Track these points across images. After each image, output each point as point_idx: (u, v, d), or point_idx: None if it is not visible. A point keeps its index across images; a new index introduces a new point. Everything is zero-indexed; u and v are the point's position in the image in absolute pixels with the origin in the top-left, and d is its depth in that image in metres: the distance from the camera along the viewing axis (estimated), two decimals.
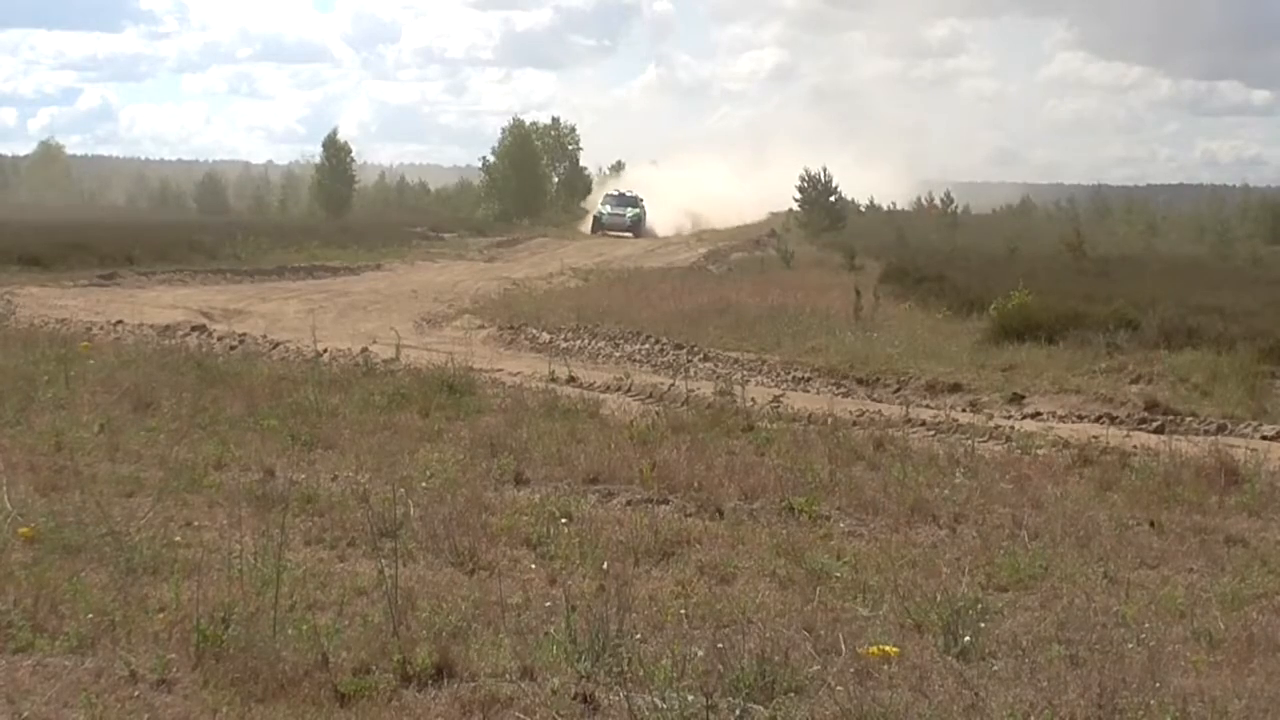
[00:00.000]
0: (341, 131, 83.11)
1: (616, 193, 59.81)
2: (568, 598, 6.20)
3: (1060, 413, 13.98)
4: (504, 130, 71.18)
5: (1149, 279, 27.36)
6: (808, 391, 15.48)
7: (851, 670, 5.61)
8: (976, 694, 5.30)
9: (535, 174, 69.20)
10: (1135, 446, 11.28)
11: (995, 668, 5.80)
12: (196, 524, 7.79)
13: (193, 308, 22.13)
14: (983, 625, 6.22)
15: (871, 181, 76.14)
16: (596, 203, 60.13)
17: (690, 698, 5.15)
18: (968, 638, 6.05)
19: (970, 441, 11.31)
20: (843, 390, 15.64)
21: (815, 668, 5.61)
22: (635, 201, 57.49)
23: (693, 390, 13.80)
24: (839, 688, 5.32)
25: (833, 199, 56.98)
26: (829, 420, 11.98)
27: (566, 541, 7.63)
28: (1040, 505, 8.96)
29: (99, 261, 29.04)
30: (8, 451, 9.23)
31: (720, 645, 5.66)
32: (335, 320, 21.53)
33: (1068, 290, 22.65)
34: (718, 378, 15.46)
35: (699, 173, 71.44)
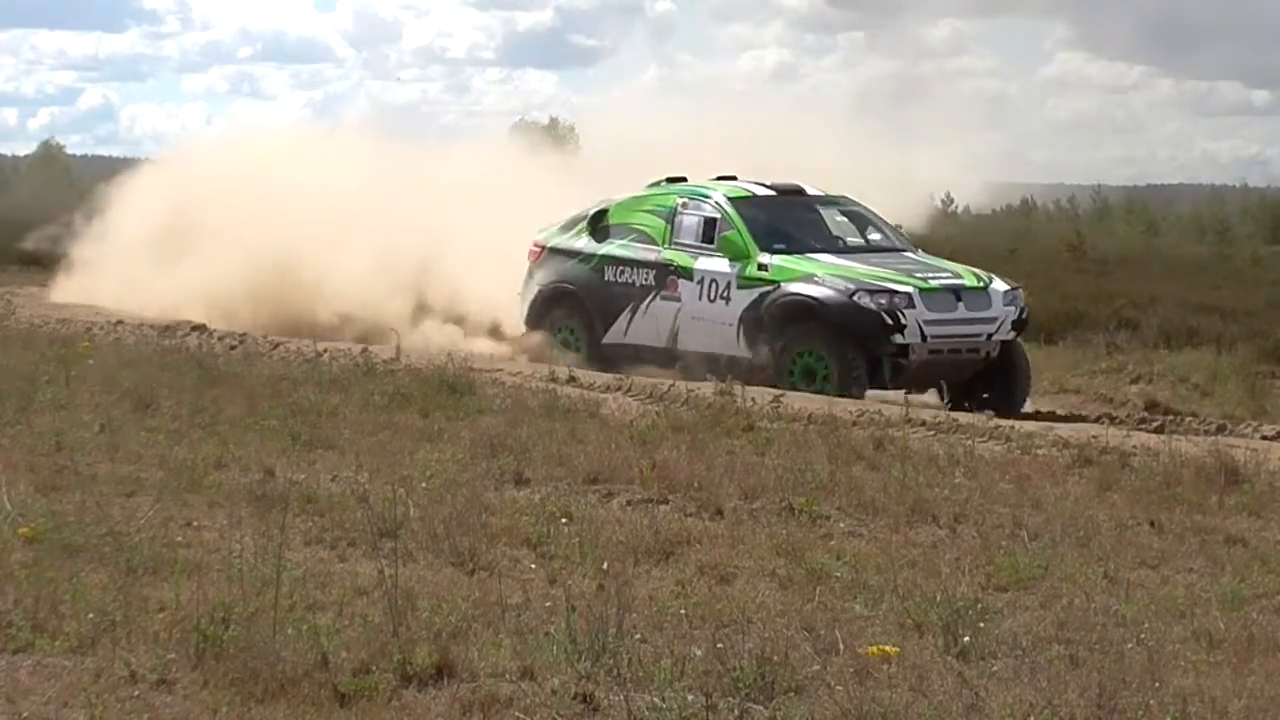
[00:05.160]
0: None
1: None
2: (568, 598, 6.20)
3: (1060, 413, 13.97)
4: (510, 130, 71.14)
5: (1149, 279, 27.38)
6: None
7: (851, 670, 5.61)
8: (976, 694, 5.30)
9: None
10: (1135, 446, 11.27)
11: (995, 668, 5.80)
12: (196, 524, 7.79)
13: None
14: (983, 625, 6.22)
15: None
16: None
17: (690, 698, 5.16)
18: (968, 638, 6.05)
19: (970, 441, 11.30)
20: None
21: (815, 668, 5.61)
22: None
23: (693, 390, 13.79)
24: (839, 688, 5.32)
25: None
26: (829, 420, 11.97)
27: (566, 541, 7.63)
28: (1040, 505, 8.96)
29: None
30: (8, 451, 9.23)
31: (720, 645, 5.66)
32: None
33: (1068, 290, 22.67)
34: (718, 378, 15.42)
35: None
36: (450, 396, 12.52)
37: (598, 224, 15.87)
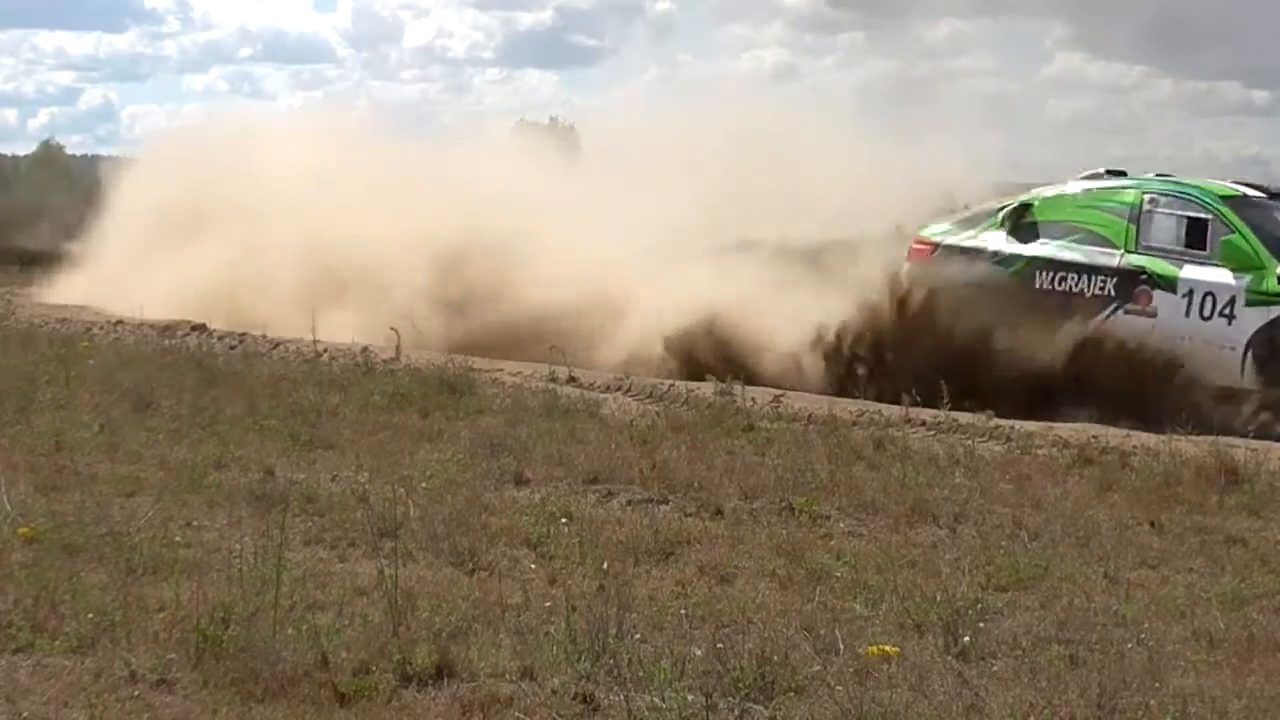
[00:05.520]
0: None
1: None
2: (568, 598, 6.20)
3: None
4: (511, 129, 71.13)
5: None
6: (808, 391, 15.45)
7: (851, 670, 5.61)
8: (976, 694, 5.30)
9: None
10: (1135, 446, 11.28)
11: (995, 668, 5.80)
12: (196, 524, 7.79)
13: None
14: (983, 625, 6.23)
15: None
16: None
17: (690, 698, 5.15)
18: (968, 638, 6.05)
19: (970, 441, 11.31)
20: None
21: (815, 668, 5.61)
22: None
23: (693, 390, 13.80)
24: (839, 688, 5.32)
25: None
26: (829, 420, 11.98)
27: (566, 541, 7.63)
28: (1040, 505, 8.96)
29: None
30: (8, 451, 9.23)
31: (720, 645, 5.66)
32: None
33: None
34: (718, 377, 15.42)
35: None
36: (450, 396, 12.53)
37: (1019, 220, 13.75)
